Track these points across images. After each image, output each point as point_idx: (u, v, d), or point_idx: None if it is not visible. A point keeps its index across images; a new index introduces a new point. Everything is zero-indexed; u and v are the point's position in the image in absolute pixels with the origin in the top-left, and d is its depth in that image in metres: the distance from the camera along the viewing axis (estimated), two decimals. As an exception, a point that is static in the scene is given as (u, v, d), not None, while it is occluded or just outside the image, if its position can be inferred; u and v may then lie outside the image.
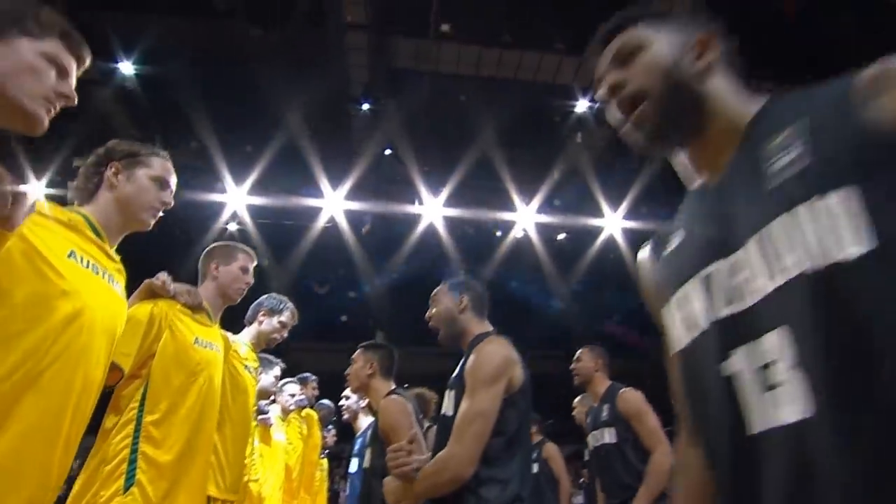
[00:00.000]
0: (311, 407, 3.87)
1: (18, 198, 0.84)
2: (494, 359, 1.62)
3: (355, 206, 14.18)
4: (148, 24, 10.82)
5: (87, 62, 0.96)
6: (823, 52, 9.30)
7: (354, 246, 14.80)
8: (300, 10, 10.40)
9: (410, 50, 11.51)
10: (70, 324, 0.95)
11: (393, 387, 2.38)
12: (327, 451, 4.59)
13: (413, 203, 14.29)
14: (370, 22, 10.68)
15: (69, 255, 1.03)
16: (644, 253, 0.85)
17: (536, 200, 14.08)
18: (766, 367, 0.58)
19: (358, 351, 2.47)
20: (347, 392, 3.80)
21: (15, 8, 0.89)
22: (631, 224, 15.13)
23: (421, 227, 14.77)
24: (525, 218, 14.69)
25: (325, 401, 4.30)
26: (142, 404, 1.35)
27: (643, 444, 2.62)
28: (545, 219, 14.82)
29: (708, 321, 0.65)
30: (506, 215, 14.64)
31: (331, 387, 3.98)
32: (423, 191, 13.82)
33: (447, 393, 1.77)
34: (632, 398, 2.78)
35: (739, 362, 0.60)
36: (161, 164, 1.34)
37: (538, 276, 16.45)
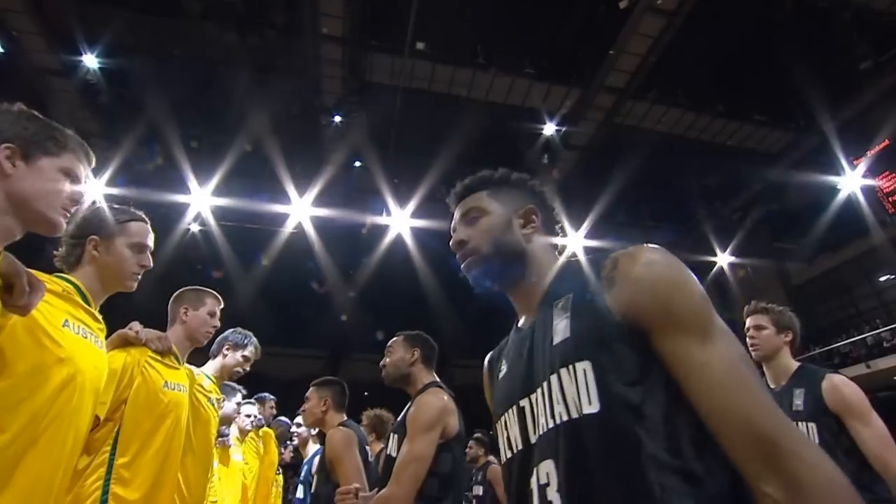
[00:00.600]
0: (268, 425, 3.98)
1: (35, 290, 1.00)
2: (431, 409, 1.82)
3: (322, 212, 14.23)
4: (115, 17, 10.57)
5: (93, 164, 1.12)
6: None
7: (321, 253, 14.79)
8: (277, 20, 10.42)
9: (385, 65, 11.67)
10: (65, 388, 1.09)
11: (344, 419, 2.54)
12: (282, 466, 4.67)
13: (381, 213, 14.45)
14: (346, 35, 10.80)
15: (64, 325, 1.16)
16: (485, 368, 1.04)
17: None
18: (544, 486, 0.73)
19: (311, 389, 2.62)
20: (299, 420, 3.94)
21: (39, 133, 1.04)
22: (592, 243, 15.85)
23: (389, 238, 14.95)
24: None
25: (283, 418, 4.39)
26: (114, 447, 1.47)
27: None
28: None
29: (521, 443, 0.81)
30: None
31: (294, 391, 4.06)
32: (391, 202, 14.02)
33: (391, 436, 1.97)
34: None
35: (534, 480, 0.75)
36: (137, 229, 1.43)
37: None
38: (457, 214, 1.01)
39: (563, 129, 13.34)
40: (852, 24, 10.87)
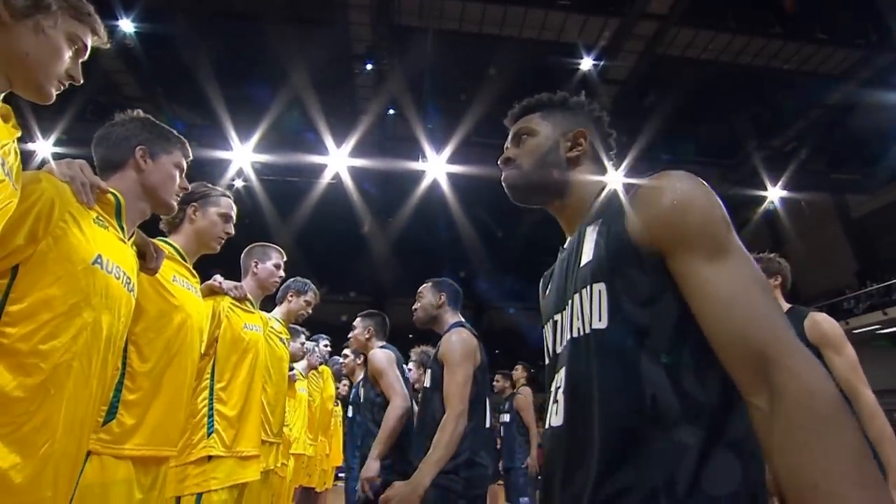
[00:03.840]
0: (325, 363, 4.45)
1: (160, 255, 1.30)
2: (463, 343, 2.12)
3: (359, 162, 14.46)
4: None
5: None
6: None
7: (358, 202, 15.18)
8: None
9: (413, 6, 11.35)
10: (181, 328, 1.41)
11: (384, 344, 2.91)
12: (339, 399, 5.22)
13: (417, 160, 14.54)
14: (372, -23, 10.51)
15: (173, 280, 1.47)
16: (543, 279, 1.10)
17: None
18: (558, 388, 0.84)
19: (357, 319, 3.01)
20: (347, 351, 4.38)
21: (159, 135, 1.28)
22: (632, 180, 15.35)
23: (425, 184, 15.10)
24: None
25: (337, 357, 4.87)
26: (212, 375, 1.84)
27: None
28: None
29: (552, 353, 0.92)
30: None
31: (339, 334, 4.48)
32: (427, 148, 14.03)
33: (426, 371, 2.27)
34: None
35: (554, 384, 0.86)
36: (226, 203, 1.75)
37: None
38: (510, 134, 1.05)
39: (602, 62, 12.72)
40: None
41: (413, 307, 2.44)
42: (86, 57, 1.00)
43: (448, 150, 14.21)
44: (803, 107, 14.13)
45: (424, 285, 2.45)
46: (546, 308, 0.99)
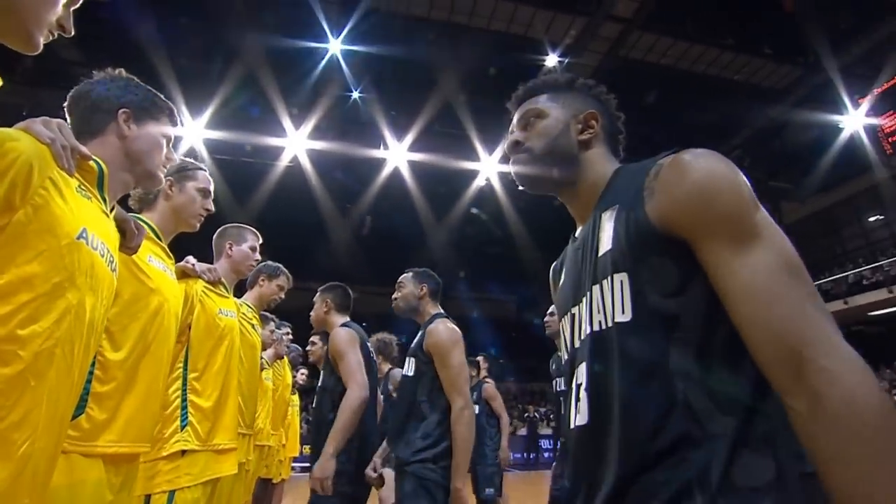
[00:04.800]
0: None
1: (140, 233, 1.17)
2: (452, 333, 2.13)
3: (319, 145, 14.03)
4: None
5: (178, 126, 1.14)
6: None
7: (318, 186, 14.75)
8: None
9: (382, -11, 11.07)
10: (158, 313, 1.28)
11: (347, 320, 2.63)
12: (297, 387, 5.08)
13: (378, 147, 14.28)
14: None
15: (149, 260, 1.34)
16: (550, 277, 1.07)
17: (500, 149, 14.45)
18: (579, 385, 0.79)
19: (317, 294, 2.71)
20: (314, 339, 4.21)
21: (145, 99, 1.13)
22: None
23: (386, 171, 14.88)
24: (488, 166, 15.10)
25: (294, 345, 4.71)
26: (185, 364, 1.70)
27: None
28: (509, 168, 15.26)
29: (570, 347, 0.87)
30: (470, 164, 14.99)
31: (295, 321, 4.31)
32: (388, 135, 13.81)
33: (408, 359, 2.22)
34: None
35: (574, 380, 0.82)
36: (204, 177, 1.61)
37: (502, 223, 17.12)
38: (515, 117, 0.99)
39: (566, 60, 12.94)
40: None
41: (393, 296, 2.39)
42: (78, 3, 0.88)
43: (410, 138, 14.10)
44: (750, 116, 15.00)
45: (405, 275, 2.40)
46: (561, 301, 0.95)
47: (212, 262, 2.05)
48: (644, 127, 14.67)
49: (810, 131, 15.10)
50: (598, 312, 0.77)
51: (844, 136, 14.38)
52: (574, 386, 0.82)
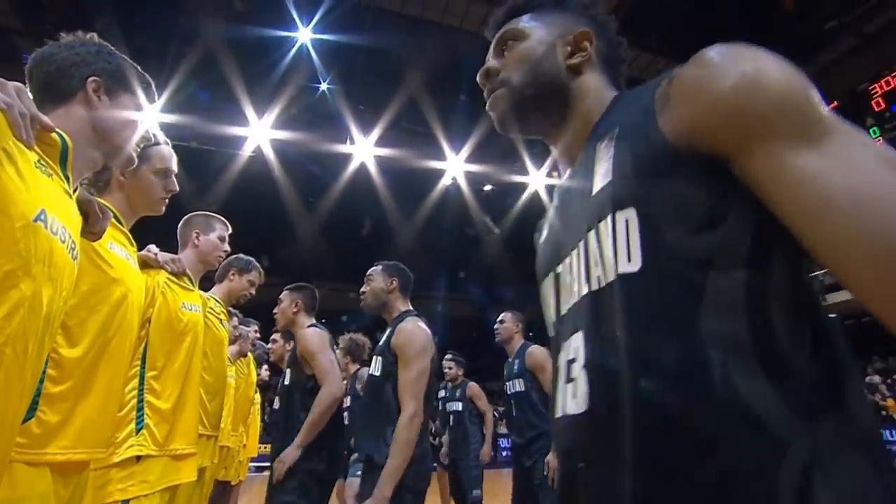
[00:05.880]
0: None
1: (105, 216, 1.05)
2: (421, 335, 2.04)
3: (282, 135, 13.60)
4: None
5: (155, 100, 1.09)
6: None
7: (282, 178, 14.30)
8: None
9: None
10: (120, 305, 1.16)
11: (313, 321, 2.66)
12: (259, 386, 4.89)
13: (345, 141, 14.00)
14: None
15: (110, 247, 1.21)
16: (537, 231, 0.86)
17: (466, 149, 14.49)
18: (571, 361, 0.61)
19: (284, 293, 2.69)
20: (276, 336, 4.07)
21: (119, 68, 1.04)
22: (555, 181, 16.21)
23: (352, 167, 14.61)
24: (454, 166, 15.12)
25: (262, 342, 4.54)
26: (143, 361, 1.55)
27: (547, 392, 3.19)
28: (474, 167, 15.37)
29: (555, 317, 0.69)
30: (435, 164, 14.95)
31: (258, 317, 4.16)
32: (355, 130, 13.56)
33: (375, 357, 2.13)
34: (537, 353, 3.33)
35: (563, 354, 0.64)
36: (159, 156, 1.43)
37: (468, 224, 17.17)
38: (492, 44, 0.82)
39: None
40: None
41: (361, 290, 2.30)
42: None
43: (376, 133, 13.90)
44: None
45: (374, 268, 2.31)
46: (543, 262, 0.75)
47: (176, 252, 1.91)
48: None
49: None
50: (597, 265, 0.58)
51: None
52: (563, 363, 0.63)
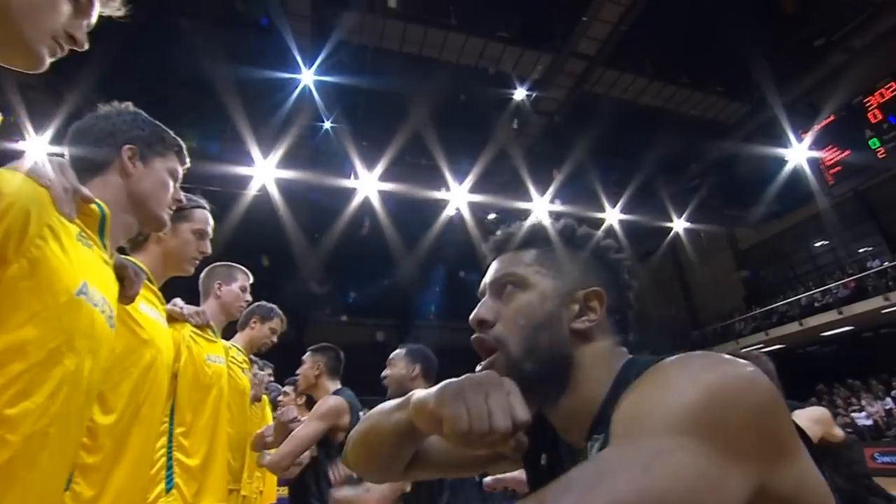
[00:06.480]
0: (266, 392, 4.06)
1: (139, 281, 1.05)
2: None
3: (287, 174, 13.82)
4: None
5: (187, 163, 1.04)
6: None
7: (287, 217, 14.46)
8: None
9: (355, 23, 11.22)
10: (151, 367, 1.15)
11: (338, 386, 2.49)
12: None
13: (349, 177, 14.20)
14: (314, -11, 10.27)
15: (141, 308, 1.21)
16: None
17: (470, 180, 14.66)
18: None
19: (307, 353, 2.57)
20: (288, 388, 4.00)
21: (152, 134, 1.04)
22: (557, 207, 16.28)
23: (356, 201, 14.76)
24: (458, 196, 15.25)
25: (277, 384, 4.48)
26: (171, 418, 1.53)
27: None
28: (477, 198, 15.51)
29: None
30: (439, 194, 15.10)
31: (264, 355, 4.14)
32: (359, 165, 13.78)
33: None
34: None
35: None
36: (201, 217, 1.49)
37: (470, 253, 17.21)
38: (488, 275, 0.73)
39: (534, 94, 13.38)
40: (812, 0, 11.29)
41: (382, 374, 2.25)
42: (92, 18, 0.77)
43: (380, 168, 14.11)
44: (705, 149, 15.85)
45: (397, 352, 2.28)
46: None
47: (197, 303, 1.91)
48: (607, 158, 15.26)
49: (759, 163, 16.08)
50: None
51: (789, 167, 15.36)
52: None
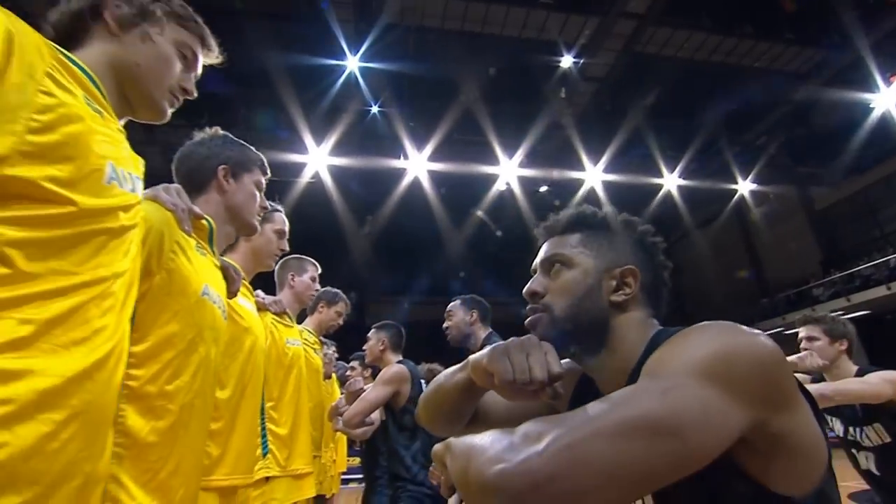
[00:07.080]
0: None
1: (239, 280, 1.26)
2: None
3: (339, 161, 14.26)
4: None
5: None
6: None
7: (339, 201, 14.98)
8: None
9: (396, 4, 11.23)
10: (252, 351, 1.37)
11: (401, 358, 2.78)
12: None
13: (398, 158, 14.44)
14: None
15: (240, 300, 1.43)
16: None
17: (520, 154, 14.47)
18: None
19: (372, 331, 2.85)
20: (355, 363, 4.30)
21: (240, 153, 1.22)
22: (611, 177, 15.77)
23: (406, 182, 15.03)
24: (508, 171, 15.12)
25: (342, 362, 4.82)
26: (262, 394, 1.80)
27: None
28: (528, 172, 15.31)
29: None
30: (489, 168, 15.04)
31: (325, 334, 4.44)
32: (408, 146, 13.96)
33: None
34: None
35: None
36: (280, 219, 1.69)
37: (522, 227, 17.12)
38: (540, 254, 0.86)
39: (581, 60, 12.90)
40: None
41: (444, 325, 2.47)
42: (198, 70, 0.94)
43: (429, 148, 14.22)
44: (771, 103, 14.69)
45: (454, 303, 2.49)
46: None
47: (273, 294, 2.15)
48: (662, 121, 14.53)
49: (838, 113, 14.66)
50: None
51: (876, 115, 13.93)
52: None
